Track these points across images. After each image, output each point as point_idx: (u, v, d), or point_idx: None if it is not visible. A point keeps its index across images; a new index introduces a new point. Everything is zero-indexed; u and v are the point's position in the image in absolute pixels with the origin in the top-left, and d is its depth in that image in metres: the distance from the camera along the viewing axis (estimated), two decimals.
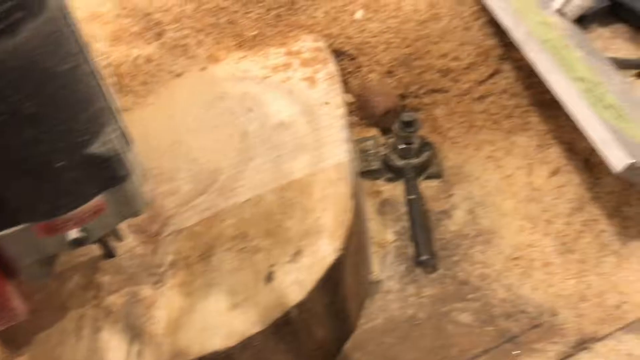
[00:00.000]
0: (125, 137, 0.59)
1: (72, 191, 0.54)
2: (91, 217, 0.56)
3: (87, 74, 0.52)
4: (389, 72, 1.00)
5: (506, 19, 0.78)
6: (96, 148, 0.53)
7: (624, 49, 1.04)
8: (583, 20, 1.05)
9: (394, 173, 0.93)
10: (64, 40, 0.49)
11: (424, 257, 0.83)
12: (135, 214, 0.61)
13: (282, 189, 0.81)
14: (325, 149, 0.84)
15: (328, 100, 0.90)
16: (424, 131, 0.98)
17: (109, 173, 0.55)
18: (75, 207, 0.54)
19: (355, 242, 0.78)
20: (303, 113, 0.89)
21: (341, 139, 0.85)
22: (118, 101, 0.60)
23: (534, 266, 0.83)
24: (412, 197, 0.88)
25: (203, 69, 0.98)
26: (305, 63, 0.96)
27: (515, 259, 0.84)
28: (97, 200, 0.56)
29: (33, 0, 0.45)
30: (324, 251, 0.73)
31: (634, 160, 0.62)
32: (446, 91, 0.97)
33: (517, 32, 0.75)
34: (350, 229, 0.75)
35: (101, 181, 0.55)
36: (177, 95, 0.95)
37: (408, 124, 0.90)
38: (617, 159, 0.62)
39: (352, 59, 1.01)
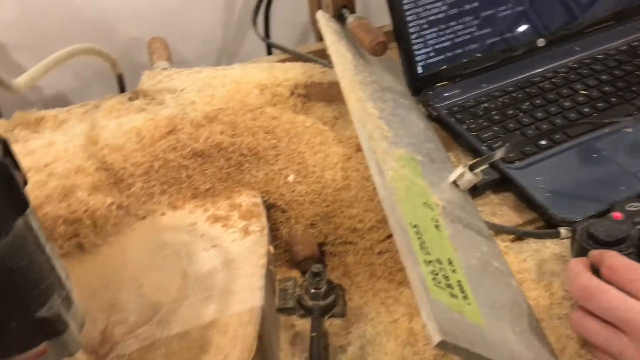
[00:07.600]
0: (68, 299, 0.82)
1: (22, 341, 0.77)
2: (37, 357, 0.79)
3: (41, 262, 0.76)
4: (312, 225, 1.23)
5: (386, 207, 1.00)
6: (42, 313, 0.76)
7: (508, 215, 1.26)
8: (476, 189, 1.28)
9: (306, 311, 1.14)
10: (26, 244, 0.73)
11: None
12: (71, 354, 0.83)
13: (205, 327, 1.02)
14: (243, 294, 1.07)
15: (254, 251, 1.13)
16: (337, 273, 1.20)
17: (52, 329, 0.78)
18: (23, 352, 0.77)
19: None
20: (231, 261, 1.12)
21: (258, 287, 1.07)
22: (64, 271, 0.83)
23: None
24: (314, 334, 1.09)
25: (163, 214, 1.23)
26: (243, 216, 1.20)
27: None
28: (41, 346, 0.79)
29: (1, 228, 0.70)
30: None
31: (444, 339, 0.81)
32: (355, 244, 1.20)
33: (391, 220, 0.97)
34: None
35: (45, 334, 0.78)
36: (138, 237, 1.19)
37: (316, 275, 1.12)
38: (433, 333, 0.82)
39: (284, 211, 1.25)
